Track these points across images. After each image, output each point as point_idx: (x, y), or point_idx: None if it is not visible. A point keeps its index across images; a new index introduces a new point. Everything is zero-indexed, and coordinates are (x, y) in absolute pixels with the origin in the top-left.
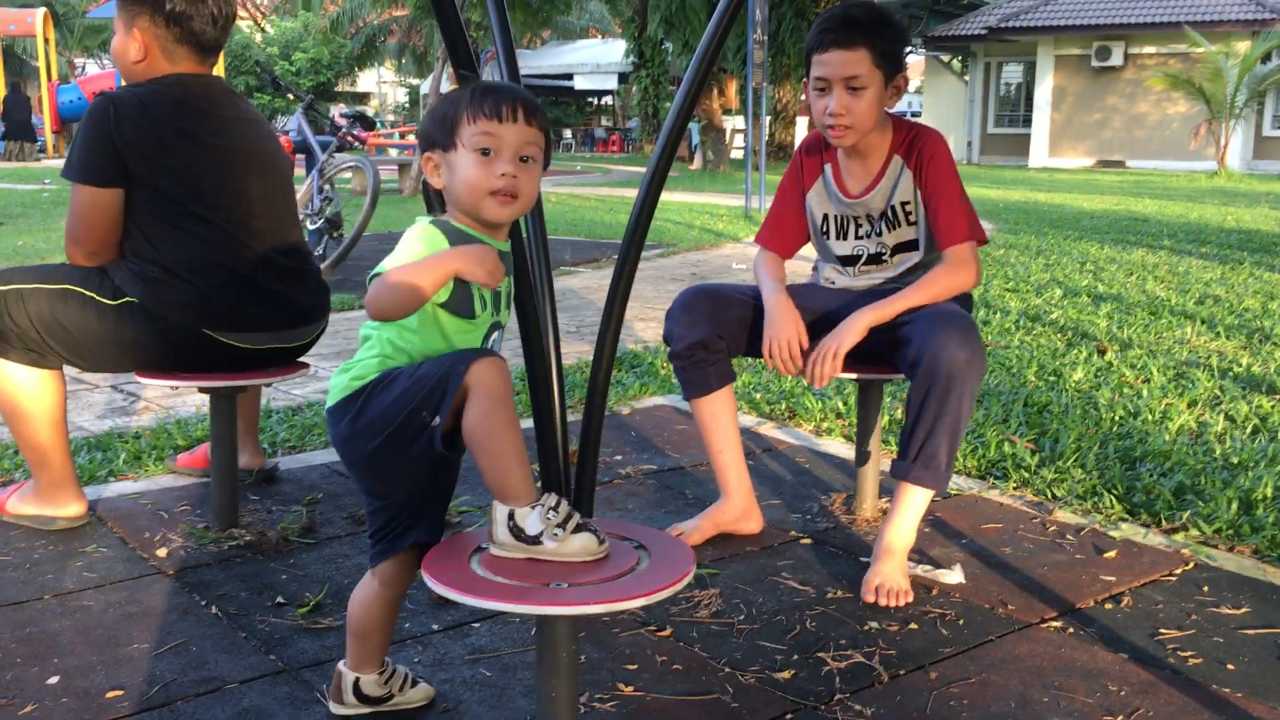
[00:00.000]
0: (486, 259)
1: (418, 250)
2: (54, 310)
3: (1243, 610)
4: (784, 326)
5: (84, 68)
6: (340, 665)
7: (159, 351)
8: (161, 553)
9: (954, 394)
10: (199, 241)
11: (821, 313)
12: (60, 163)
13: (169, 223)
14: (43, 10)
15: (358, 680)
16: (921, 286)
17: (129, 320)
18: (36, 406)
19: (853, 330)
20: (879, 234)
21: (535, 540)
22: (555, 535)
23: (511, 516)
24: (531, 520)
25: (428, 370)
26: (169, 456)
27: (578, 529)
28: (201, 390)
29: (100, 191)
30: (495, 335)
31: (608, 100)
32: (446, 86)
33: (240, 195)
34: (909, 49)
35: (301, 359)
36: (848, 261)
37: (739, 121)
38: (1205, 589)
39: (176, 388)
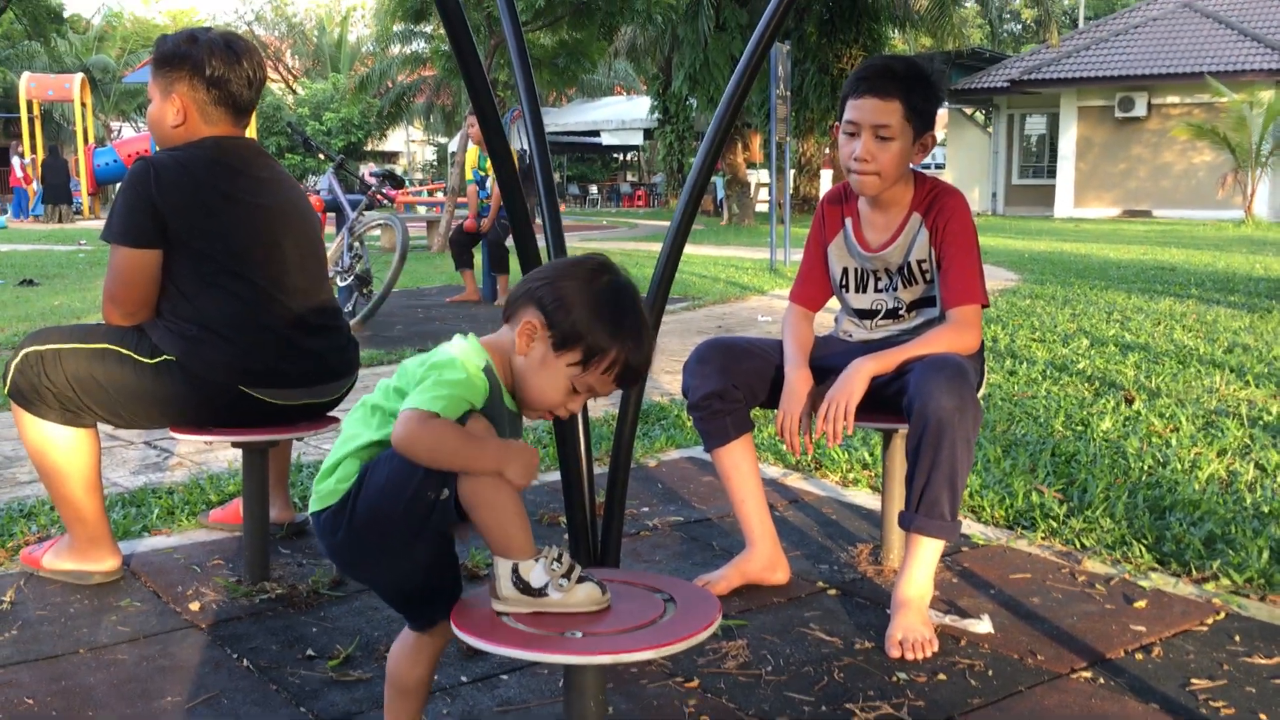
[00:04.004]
0: (531, 464)
1: (462, 396)
2: (91, 369)
3: (1275, 660)
4: (790, 401)
5: (120, 130)
6: None
7: (195, 408)
8: (194, 606)
9: (945, 441)
10: (237, 300)
11: (834, 366)
12: (96, 224)
13: (207, 281)
14: (80, 76)
15: None
16: (925, 341)
17: (167, 378)
18: (72, 464)
19: (856, 381)
20: (895, 289)
21: (541, 592)
22: (560, 586)
23: (515, 570)
24: (536, 573)
25: None
26: (201, 512)
27: (580, 580)
28: (234, 445)
29: (140, 253)
30: None
31: (633, 156)
32: (470, 146)
33: (275, 253)
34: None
35: (331, 413)
36: (865, 315)
37: (764, 175)
38: (1237, 638)
39: (210, 443)
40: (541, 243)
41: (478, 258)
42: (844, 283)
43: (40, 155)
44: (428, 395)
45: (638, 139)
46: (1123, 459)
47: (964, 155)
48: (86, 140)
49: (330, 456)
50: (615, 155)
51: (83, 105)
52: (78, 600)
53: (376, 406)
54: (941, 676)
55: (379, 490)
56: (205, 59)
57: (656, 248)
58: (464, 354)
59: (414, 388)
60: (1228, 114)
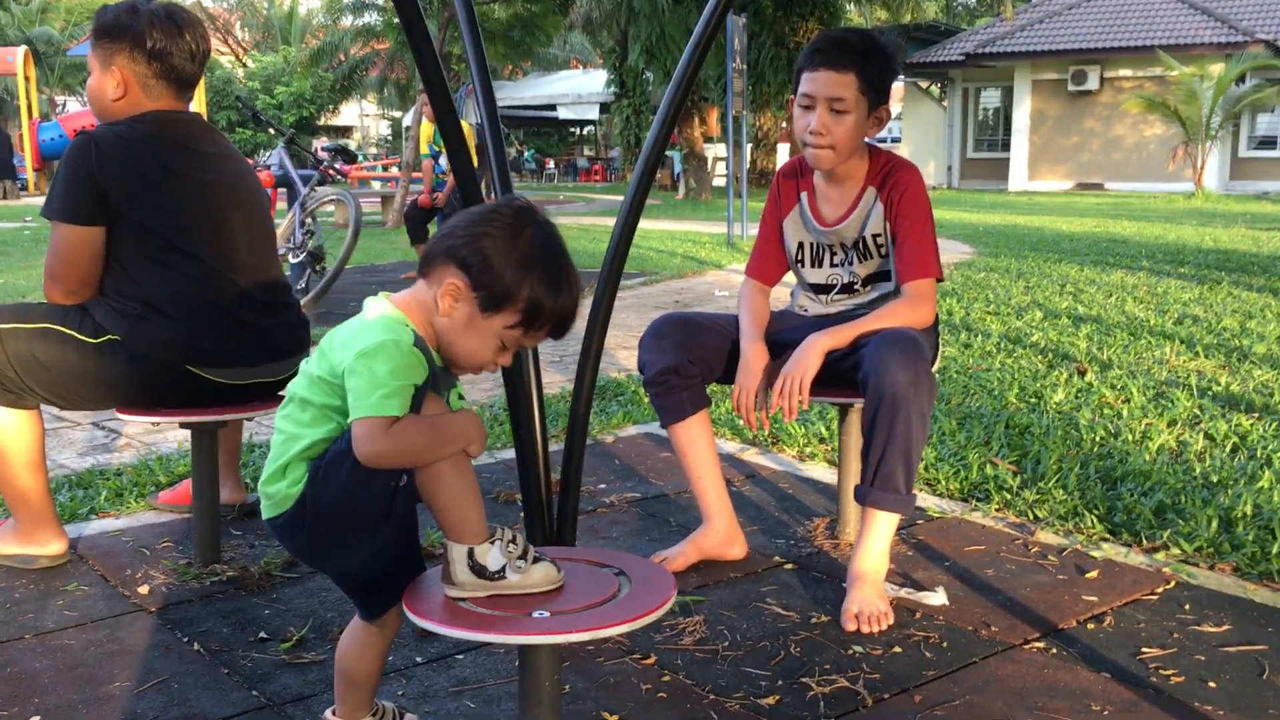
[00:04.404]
0: (483, 432)
1: (407, 383)
2: (33, 349)
3: (1224, 628)
4: (746, 376)
5: (65, 105)
6: (329, 715)
7: (141, 388)
8: (143, 590)
9: (900, 416)
10: (182, 277)
11: (790, 341)
12: (41, 200)
13: (152, 258)
14: (23, 48)
15: None
16: (880, 315)
17: (111, 358)
18: (14, 446)
19: (812, 356)
20: (850, 264)
21: (498, 575)
22: (518, 568)
23: (471, 555)
24: (493, 556)
25: None
26: (150, 493)
27: (535, 560)
28: (183, 426)
29: (82, 229)
30: None
31: (590, 130)
32: (424, 121)
33: (222, 230)
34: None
35: (282, 392)
36: (821, 289)
37: (721, 149)
38: (1187, 607)
39: (158, 424)
40: None
41: (433, 233)
42: (800, 257)
43: None
44: (376, 398)
45: (594, 113)
46: (1075, 430)
47: (919, 129)
48: (30, 115)
49: (274, 459)
50: (572, 129)
51: (26, 79)
52: (23, 585)
53: (306, 402)
54: (897, 649)
55: (342, 490)
56: (146, 31)
57: (613, 222)
58: (391, 332)
59: (344, 379)
60: (1178, 87)
